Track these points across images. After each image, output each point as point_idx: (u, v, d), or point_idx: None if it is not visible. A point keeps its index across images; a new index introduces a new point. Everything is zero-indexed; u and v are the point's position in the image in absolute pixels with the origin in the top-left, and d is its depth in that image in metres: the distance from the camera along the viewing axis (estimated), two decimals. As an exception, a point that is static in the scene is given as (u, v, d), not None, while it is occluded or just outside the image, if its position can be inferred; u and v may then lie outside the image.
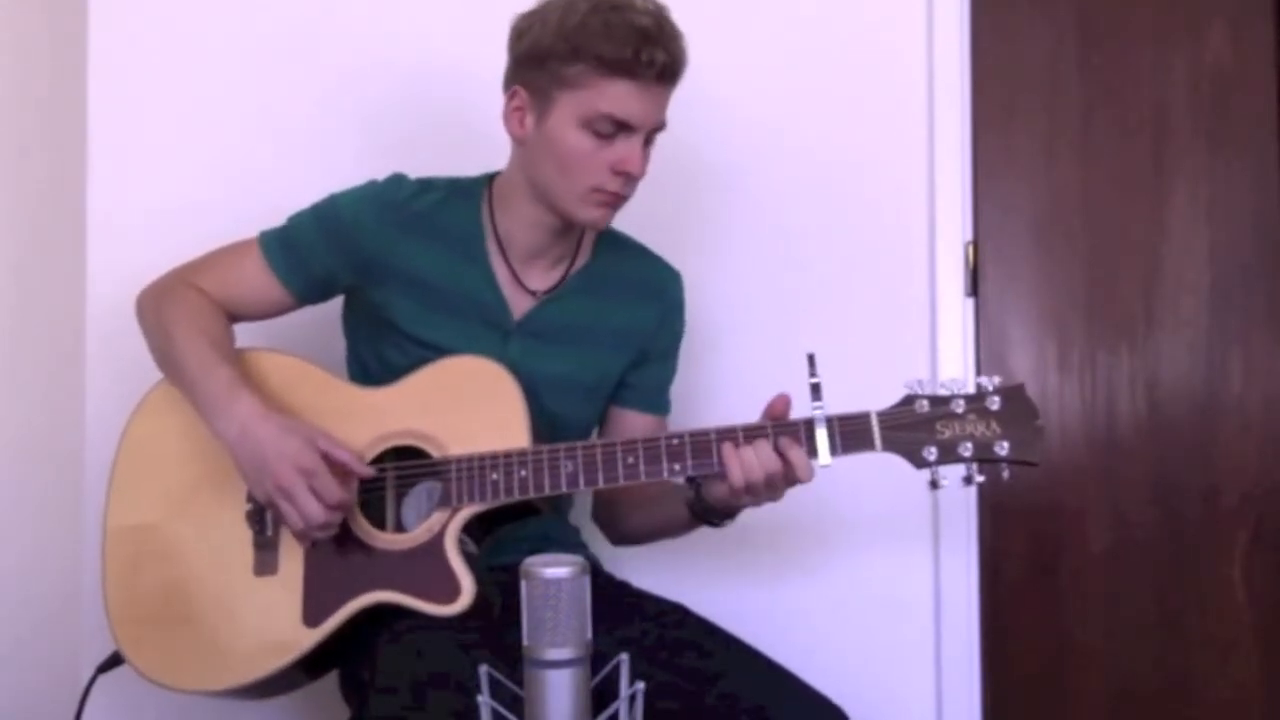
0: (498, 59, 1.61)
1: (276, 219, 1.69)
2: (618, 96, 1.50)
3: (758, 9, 2.11)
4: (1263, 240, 2.14)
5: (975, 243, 2.12)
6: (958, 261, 2.10)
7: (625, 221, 1.78)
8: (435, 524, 1.51)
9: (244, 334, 1.68)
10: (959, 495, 2.07)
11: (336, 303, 1.74)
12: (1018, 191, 2.16)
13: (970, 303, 2.11)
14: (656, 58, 1.49)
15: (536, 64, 1.54)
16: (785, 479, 1.47)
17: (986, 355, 2.13)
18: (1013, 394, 1.46)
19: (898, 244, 2.10)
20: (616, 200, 1.58)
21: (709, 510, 1.57)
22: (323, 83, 2.09)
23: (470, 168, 1.72)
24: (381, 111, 2.08)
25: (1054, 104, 2.16)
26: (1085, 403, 2.14)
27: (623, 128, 1.52)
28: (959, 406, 1.45)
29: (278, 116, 2.09)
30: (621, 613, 1.60)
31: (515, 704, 1.19)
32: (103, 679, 1.65)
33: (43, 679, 1.87)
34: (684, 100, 1.53)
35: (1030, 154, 2.16)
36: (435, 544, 1.50)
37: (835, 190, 2.10)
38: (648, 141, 1.57)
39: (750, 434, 1.47)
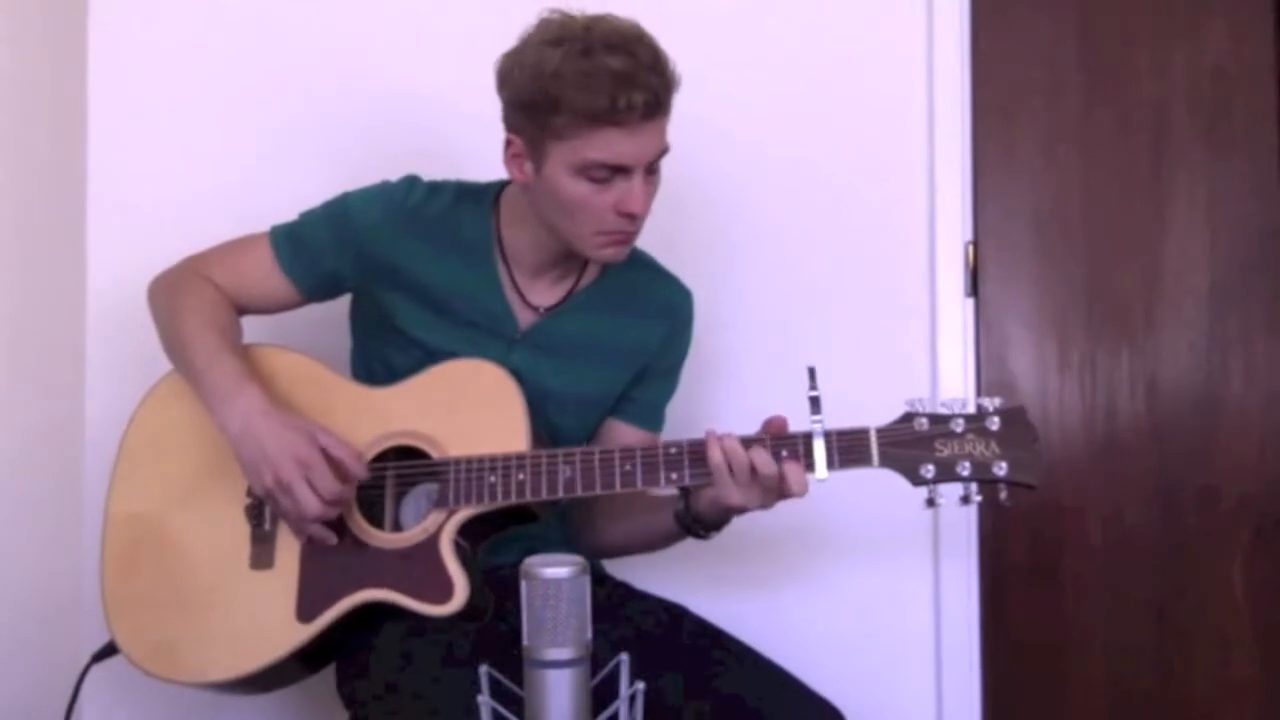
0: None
1: (276, 215, 1.69)
2: (606, 143, 1.45)
3: (757, 10, 2.11)
4: (1263, 240, 2.13)
5: (975, 243, 2.12)
6: (958, 261, 2.10)
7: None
8: (431, 524, 1.51)
9: (251, 329, 1.68)
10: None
11: (345, 300, 1.74)
12: (1018, 191, 2.16)
13: (970, 303, 2.11)
14: (635, 100, 1.42)
15: (523, 113, 1.49)
16: (779, 489, 1.44)
17: (986, 355, 2.13)
18: (1013, 415, 1.44)
19: (898, 244, 2.10)
20: (626, 237, 1.55)
21: (697, 520, 1.55)
22: (324, 79, 2.09)
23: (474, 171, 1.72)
24: (384, 109, 2.08)
25: (1054, 104, 2.16)
26: (1085, 403, 2.14)
27: (618, 170, 1.48)
28: (958, 426, 1.43)
29: (278, 113, 2.09)
30: (621, 613, 1.60)
31: (514, 704, 1.19)
32: (100, 669, 1.64)
33: (42, 676, 1.87)
34: (683, 100, 1.51)
35: (1030, 154, 2.16)
36: (430, 544, 1.50)
37: (835, 190, 2.10)
38: (652, 170, 1.53)
39: (747, 444, 1.45)
